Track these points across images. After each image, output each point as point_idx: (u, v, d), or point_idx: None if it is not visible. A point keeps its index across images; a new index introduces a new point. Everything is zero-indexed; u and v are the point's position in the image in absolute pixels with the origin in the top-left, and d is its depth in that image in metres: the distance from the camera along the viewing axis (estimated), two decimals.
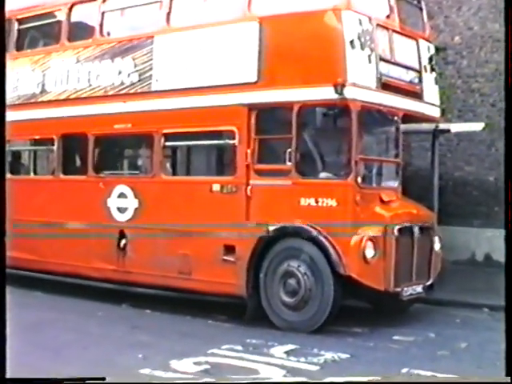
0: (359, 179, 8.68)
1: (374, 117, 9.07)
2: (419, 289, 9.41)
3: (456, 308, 10.51)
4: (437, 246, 9.79)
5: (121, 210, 10.50)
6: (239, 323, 9.26)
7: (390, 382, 6.33)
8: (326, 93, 8.60)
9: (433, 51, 10.45)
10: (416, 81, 9.94)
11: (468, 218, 13.66)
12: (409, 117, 9.55)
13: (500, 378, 4.96)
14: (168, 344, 7.92)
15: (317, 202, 8.73)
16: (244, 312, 9.33)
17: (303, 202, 8.82)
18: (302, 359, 7.37)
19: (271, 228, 8.99)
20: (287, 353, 7.64)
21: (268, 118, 9.23)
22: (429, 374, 6.79)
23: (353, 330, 8.93)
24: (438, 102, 10.41)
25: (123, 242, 10.45)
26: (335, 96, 8.53)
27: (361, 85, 8.75)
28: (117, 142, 11.32)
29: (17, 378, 4.97)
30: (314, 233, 8.67)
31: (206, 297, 10.02)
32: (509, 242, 4.71)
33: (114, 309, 10.24)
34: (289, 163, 8.89)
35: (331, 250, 8.56)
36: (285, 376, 6.70)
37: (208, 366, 6.88)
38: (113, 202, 10.59)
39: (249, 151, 9.19)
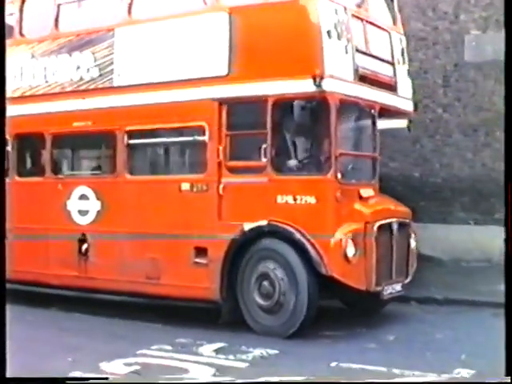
0: (339, 175, 8.30)
1: (351, 110, 8.74)
2: (398, 287, 9.12)
3: None
4: (413, 243, 9.51)
5: (82, 212, 9.94)
6: (168, 323, 9.13)
7: (389, 382, 6.34)
8: (303, 85, 8.19)
9: (405, 43, 10.16)
10: (390, 73, 9.62)
11: None
12: (382, 111, 9.23)
13: (500, 378, 4.89)
14: (98, 346, 7.86)
15: (295, 199, 8.32)
16: (171, 313, 9.46)
17: (280, 199, 8.40)
18: (231, 357, 7.44)
19: (246, 228, 8.54)
20: (216, 351, 7.69)
21: (240, 112, 8.76)
22: (358, 366, 6.94)
23: None
24: (410, 96, 10.12)
25: (85, 246, 9.89)
26: (313, 89, 8.13)
27: (339, 77, 8.37)
28: (76, 141, 10.70)
29: (17, 377, 4.98)
30: (293, 232, 8.26)
31: (135, 299, 10.04)
32: (509, 242, 4.65)
33: (43, 312, 9.94)
34: (264, 159, 8.45)
35: (311, 250, 8.16)
36: (214, 375, 6.74)
37: (138, 367, 6.89)
38: (73, 205, 10.02)
39: (220, 148, 8.73)
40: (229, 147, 8.76)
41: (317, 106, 8.20)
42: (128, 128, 9.52)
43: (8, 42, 10.59)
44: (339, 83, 8.36)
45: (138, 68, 9.58)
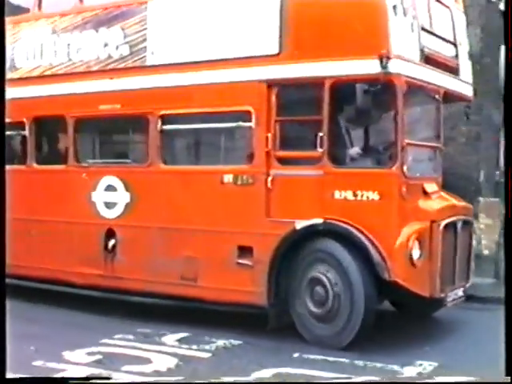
0: (405, 168, 7.38)
1: (415, 95, 7.75)
2: (461, 292, 8.27)
3: None
4: (474, 243, 8.63)
5: (109, 205, 9.00)
6: (130, 313, 8.91)
7: (389, 381, 6.19)
8: (367, 66, 7.25)
9: (465, 22, 9.21)
10: (453, 55, 8.66)
11: None
12: (444, 96, 8.29)
13: (500, 378, 4.77)
14: (60, 336, 7.81)
15: (355, 195, 7.39)
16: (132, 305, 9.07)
17: (338, 195, 7.47)
18: (194, 347, 7.48)
19: (298, 226, 7.62)
20: (179, 341, 7.73)
21: (292, 96, 7.83)
22: (320, 357, 7.06)
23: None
24: (471, 80, 9.17)
25: (112, 242, 8.97)
26: (378, 70, 7.18)
27: (406, 58, 7.43)
28: (103, 126, 9.73)
29: (17, 377, 5.07)
30: (353, 232, 7.34)
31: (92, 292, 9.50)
32: (508, 239, 4.59)
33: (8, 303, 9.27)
34: (320, 149, 7.51)
35: (374, 253, 7.26)
36: (177, 364, 6.80)
37: (101, 356, 6.89)
38: (99, 196, 9.07)
39: (269, 135, 7.78)
40: (279, 135, 7.82)
41: (381, 90, 7.23)
42: (162, 112, 8.57)
43: (25, 16, 9.92)
44: (406, 65, 7.42)
45: (174, 45, 8.59)
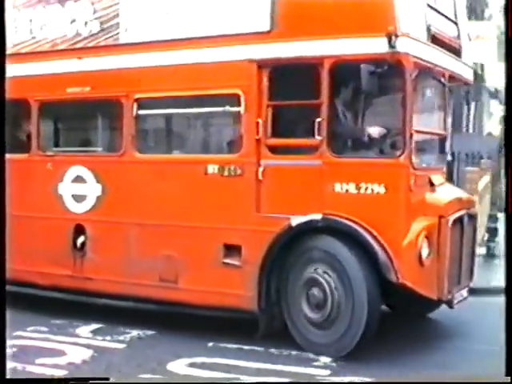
0: (413, 158, 6.66)
1: (423, 79, 7.05)
2: (465, 293, 7.61)
3: None
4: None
5: (77, 198, 8.14)
6: (42, 305, 8.57)
7: (389, 381, 5.93)
8: (372, 45, 6.52)
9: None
10: (455, 35, 7.96)
11: None
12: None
13: (500, 378, 4.65)
14: None
15: (358, 188, 6.65)
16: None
17: (339, 188, 6.73)
18: (108, 338, 7.43)
19: (294, 222, 6.85)
20: (93, 332, 7.65)
21: (286, 77, 7.02)
22: (235, 346, 7.04)
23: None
24: (471, 63, 8.50)
25: (81, 239, 8.12)
26: (384, 49, 6.44)
27: (413, 36, 6.70)
28: (70, 111, 8.79)
29: (17, 378, 5.07)
30: (357, 229, 6.61)
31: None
32: (509, 238, 4.51)
33: None
34: (318, 137, 6.75)
35: (380, 252, 6.54)
36: (92, 356, 6.75)
37: (15, 349, 6.63)
38: (66, 188, 8.19)
39: (260, 121, 6.99)
40: (271, 121, 7.04)
41: (387, 72, 6.51)
42: (138, 95, 7.72)
43: None
44: (414, 44, 6.69)
45: (151, 21, 7.72)
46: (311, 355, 6.73)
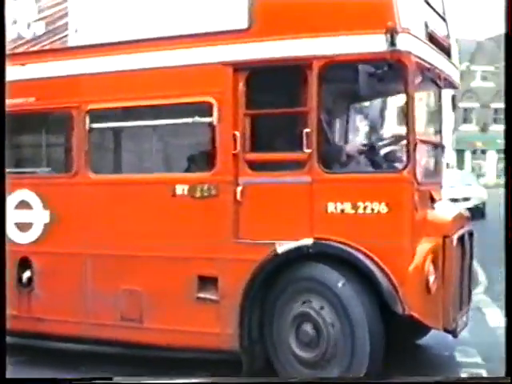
0: (418, 172, 5.81)
1: (422, 81, 6.22)
2: (465, 318, 6.81)
3: None
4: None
5: (22, 226, 7.05)
6: None
7: (389, 381, 5.73)
8: (370, 43, 5.66)
9: None
10: (446, 33, 7.18)
11: None
12: None
13: (500, 378, 4.66)
14: None
15: (355, 207, 5.76)
16: None
17: (332, 208, 5.82)
18: None
19: (280, 249, 5.91)
20: None
21: (267, 82, 6.12)
22: None
23: None
24: (458, 64, 7.75)
25: (27, 274, 7.04)
26: (383, 48, 5.59)
27: (414, 33, 5.86)
28: (12, 125, 7.66)
29: (17, 378, 4.97)
30: (356, 255, 5.72)
31: None
32: (508, 240, 4.44)
33: None
34: (306, 150, 5.84)
35: (383, 280, 5.67)
36: None
37: None
38: (8, 216, 7.07)
39: (237, 133, 6.05)
40: (249, 133, 6.11)
41: (386, 73, 5.66)
42: (91, 106, 6.69)
43: None
44: (416, 42, 5.87)
45: (106, 20, 6.71)
46: None
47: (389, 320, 5.90)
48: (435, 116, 6.78)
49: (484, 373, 6.09)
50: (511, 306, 4.38)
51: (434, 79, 6.46)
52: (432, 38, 6.38)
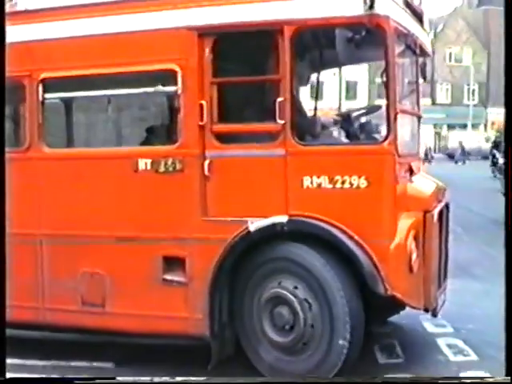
0: (398, 143, 5.47)
1: (400, 48, 5.87)
2: (443, 296, 6.54)
3: None
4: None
5: None
6: None
7: (389, 382, 5.62)
8: (346, 6, 5.27)
9: None
10: None
11: None
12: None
13: (500, 378, 4.59)
14: None
15: (333, 181, 5.40)
16: None
17: (308, 182, 5.45)
18: None
19: (252, 227, 5.54)
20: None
21: (235, 48, 5.71)
22: None
23: None
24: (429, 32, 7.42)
25: None
26: (361, 11, 5.21)
27: None
28: None
29: (17, 377, 4.85)
30: (334, 232, 5.37)
31: None
32: (509, 242, 4.35)
33: None
34: (279, 121, 5.45)
35: (363, 259, 5.35)
36: None
37: None
38: None
39: (203, 103, 5.62)
40: (217, 102, 5.67)
41: (364, 39, 5.30)
42: (44, 75, 6.17)
43: None
44: (393, 6, 5.51)
45: None
46: None
47: (367, 298, 5.62)
48: (412, 85, 6.43)
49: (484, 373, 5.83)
50: (511, 306, 4.27)
51: (411, 46, 6.11)
52: (407, 3, 6.03)
